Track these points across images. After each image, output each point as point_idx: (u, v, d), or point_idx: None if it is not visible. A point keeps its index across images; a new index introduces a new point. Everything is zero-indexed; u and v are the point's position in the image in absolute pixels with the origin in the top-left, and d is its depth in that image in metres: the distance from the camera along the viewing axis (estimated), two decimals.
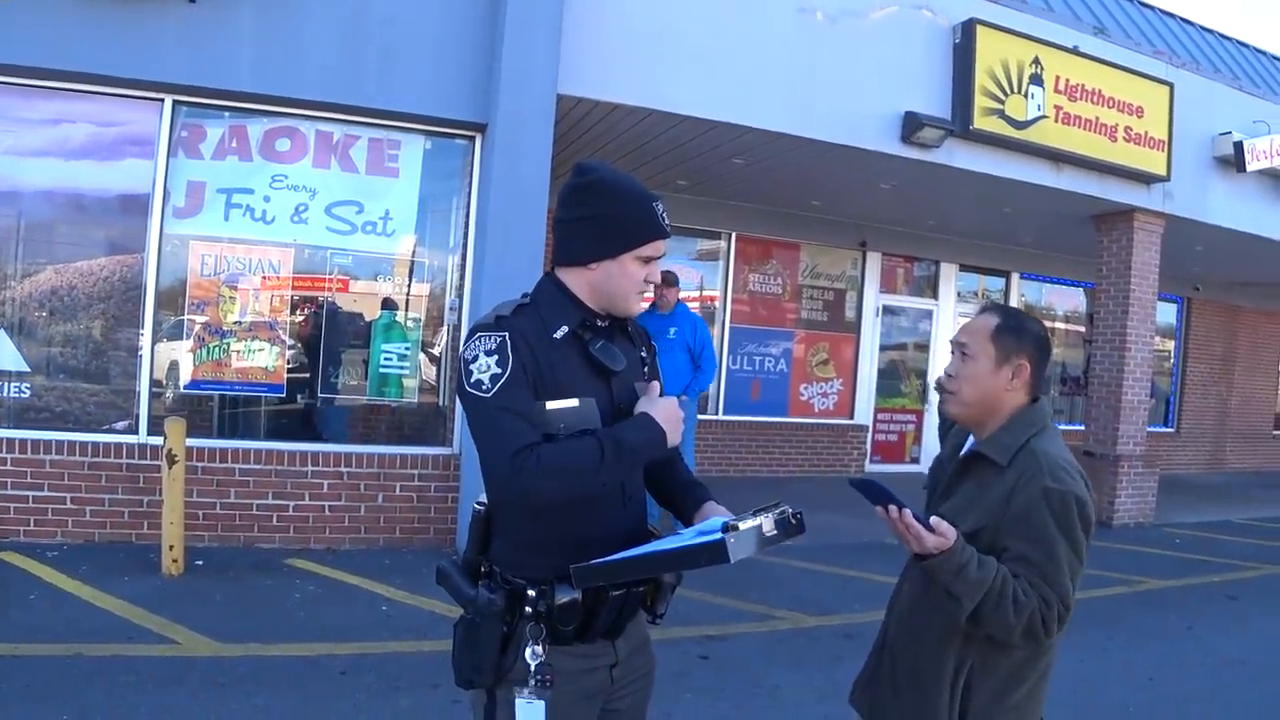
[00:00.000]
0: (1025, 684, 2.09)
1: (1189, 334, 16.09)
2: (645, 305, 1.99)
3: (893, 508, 1.91)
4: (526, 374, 1.85)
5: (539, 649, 1.84)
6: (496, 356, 1.84)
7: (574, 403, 1.89)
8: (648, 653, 2.13)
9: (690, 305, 9.00)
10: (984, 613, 1.93)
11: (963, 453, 2.22)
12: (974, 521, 2.04)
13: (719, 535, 1.67)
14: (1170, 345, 16.00)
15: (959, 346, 2.16)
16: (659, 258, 2.00)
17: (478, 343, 1.87)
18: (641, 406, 1.93)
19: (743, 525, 1.71)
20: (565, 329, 1.93)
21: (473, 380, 1.85)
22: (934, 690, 2.06)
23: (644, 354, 2.13)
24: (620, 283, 1.95)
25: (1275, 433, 17.62)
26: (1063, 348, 14.87)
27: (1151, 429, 12.49)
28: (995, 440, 2.11)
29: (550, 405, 1.87)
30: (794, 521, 1.81)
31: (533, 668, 1.83)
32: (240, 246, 6.74)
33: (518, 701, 1.83)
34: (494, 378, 1.83)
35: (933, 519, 1.92)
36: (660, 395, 2.00)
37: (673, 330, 7.69)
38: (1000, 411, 2.13)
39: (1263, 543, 9.73)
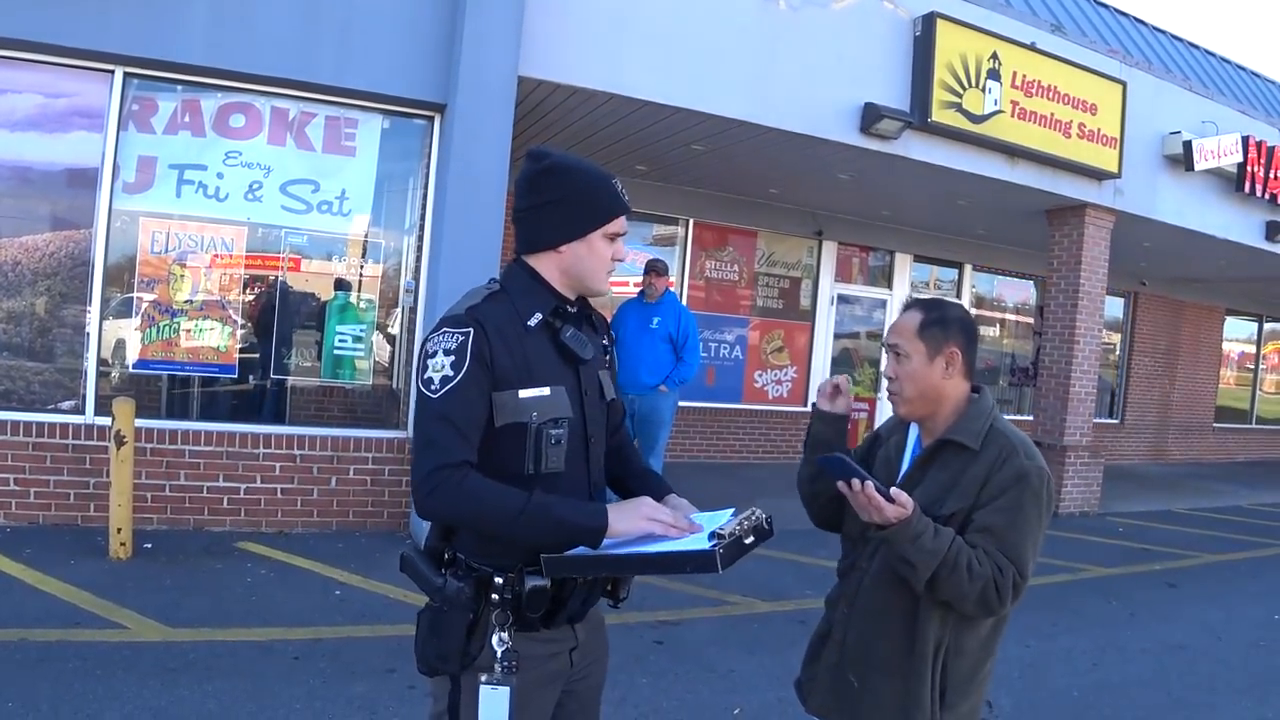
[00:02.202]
0: (992, 656, 2.24)
1: (1135, 328, 16.43)
2: (612, 287, 2.01)
3: (855, 481, 1.97)
4: (487, 373, 1.84)
5: (505, 636, 1.84)
6: (454, 357, 1.82)
7: (545, 391, 1.89)
8: (603, 634, 2.15)
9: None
10: (939, 579, 2.00)
11: (926, 443, 2.25)
12: (954, 504, 2.10)
13: (709, 546, 1.70)
14: (1118, 339, 16.35)
15: (892, 348, 2.22)
16: (623, 234, 2.01)
17: (440, 338, 1.86)
18: (618, 506, 1.86)
19: (726, 533, 1.75)
20: (539, 316, 1.93)
21: (425, 377, 1.85)
22: (916, 674, 2.11)
23: (605, 342, 2.13)
24: (590, 262, 1.96)
25: (1216, 425, 18.07)
26: (1012, 339, 15.11)
27: (1097, 420, 12.76)
28: (962, 427, 2.17)
29: (523, 394, 1.87)
30: (767, 527, 1.84)
31: (499, 654, 1.83)
32: (192, 224, 6.61)
33: (482, 688, 1.83)
34: (444, 379, 1.82)
35: (892, 490, 1.99)
36: (657, 507, 1.89)
37: (656, 320, 7.66)
38: (946, 400, 2.20)
39: (1202, 532, 10.00)
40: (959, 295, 14.14)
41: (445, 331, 1.86)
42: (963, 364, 2.19)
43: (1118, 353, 16.37)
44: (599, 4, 7.09)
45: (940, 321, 2.19)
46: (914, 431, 2.30)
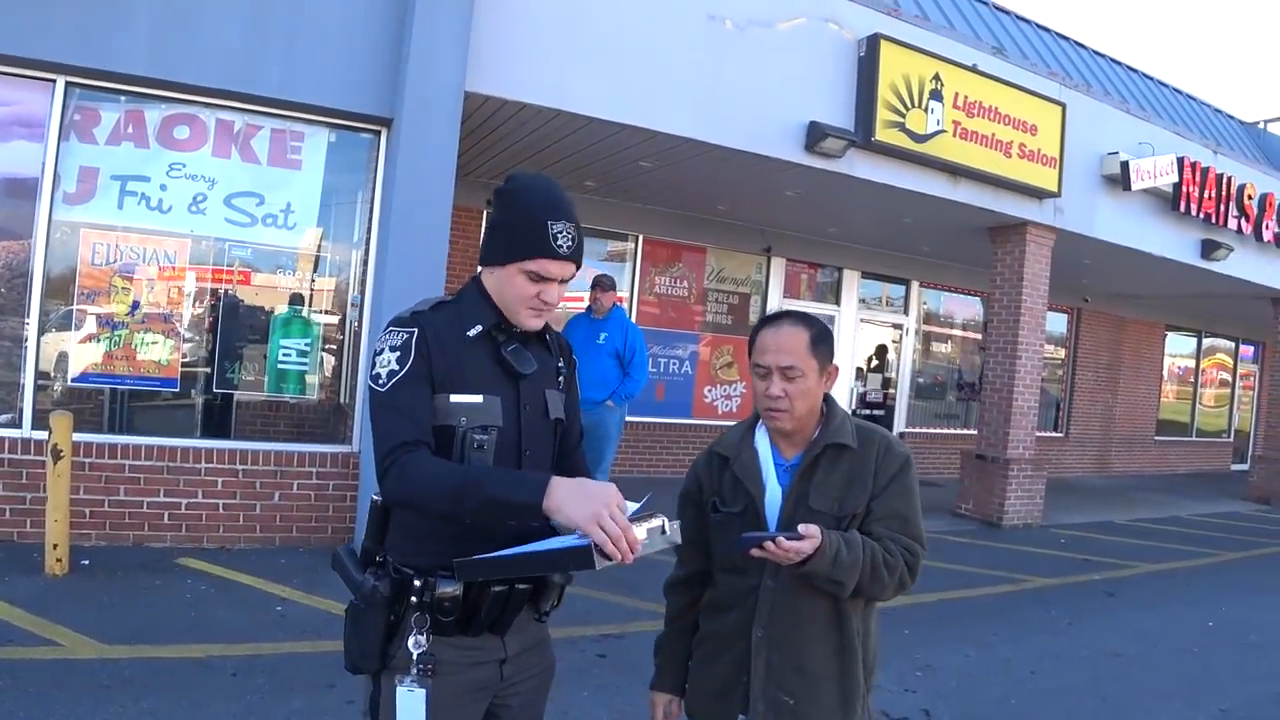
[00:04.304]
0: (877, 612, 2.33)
1: (1078, 343, 16.77)
2: (537, 322, 1.98)
3: (768, 544, 1.98)
4: (428, 370, 1.90)
5: (422, 639, 1.87)
6: (399, 354, 1.91)
7: (477, 399, 1.94)
8: (545, 652, 2.15)
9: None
10: (863, 584, 2.09)
11: (791, 453, 2.27)
12: (855, 500, 2.18)
13: (586, 541, 1.67)
14: (1062, 354, 16.66)
15: (784, 371, 2.18)
16: (556, 280, 1.97)
17: (387, 337, 1.95)
18: (580, 487, 1.74)
19: None
20: (479, 328, 1.98)
21: (373, 374, 1.93)
22: (849, 669, 2.19)
23: (561, 364, 2.16)
24: (507, 292, 1.99)
25: (1157, 438, 18.48)
26: (960, 355, 15.35)
27: (1042, 433, 13.00)
28: (837, 430, 2.24)
29: (454, 398, 1.92)
30: (665, 531, 1.81)
31: (414, 656, 1.86)
32: (134, 235, 6.53)
33: (399, 689, 1.86)
34: (390, 374, 1.90)
35: (800, 526, 2.01)
36: (604, 490, 1.75)
37: (603, 335, 7.68)
38: (817, 410, 2.26)
39: (1141, 542, 10.21)
40: (907, 311, 14.36)
41: (392, 330, 1.96)
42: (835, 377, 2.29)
43: (1062, 368, 16.68)
44: (546, 21, 7.14)
45: (826, 337, 2.25)
46: (765, 444, 2.30)
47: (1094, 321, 16.92)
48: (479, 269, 2.08)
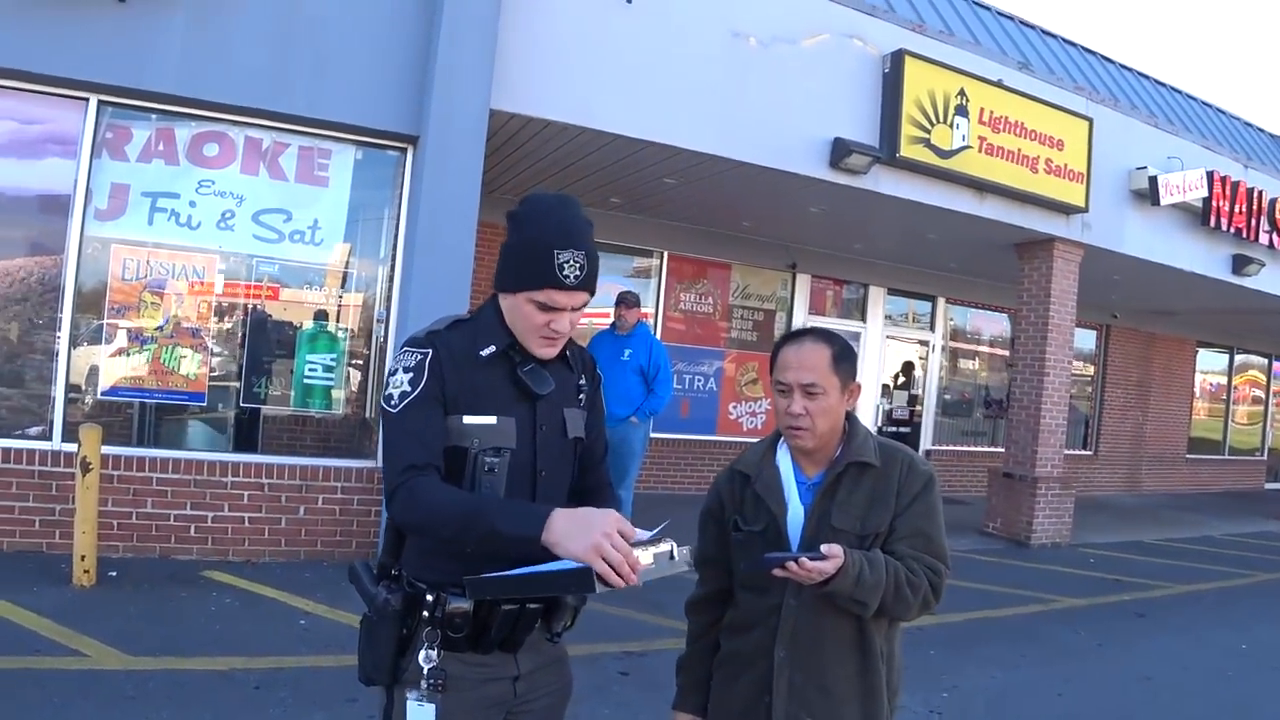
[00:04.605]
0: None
1: (1107, 360, 16.60)
2: (549, 350, 1.96)
3: (791, 564, 1.97)
4: (441, 391, 1.90)
5: (433, 653, 1.87)
6: (412, 375, 1.91)
7: (491, 420, 1.93)
8: (561, 670, 2.13)
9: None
10: (887, 604, 2.08)
11: (813, 471, 2.26)
12: (879, 518, 2.16)
13: (585, 564, 1.66)
14: (1091, 371, 16.51)
15: (805, 388, 2.17)
16: (562, 309, 1.93)
17: (402, 358, 1.95)
18: (565, 515, 1.72)
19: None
20: (493, 348, 1.97)
21: (386, 394, 1.93)
22: (873, 689, 2.17)
23: (583, 382, 2.14)
24: (517, 319, 1.97)
25: (1189, 456, 18.23)
26: (987, 372, 15.24)
27: (1070, 452, 12.87)
28: (859, 448, 2.22)
29: (467, 419, 1.92)
30: (673, 557, 1.79)
31: (425, 671, 1.86)
32: (164, 251, 6.62)
33: (409, 703, 1.87)
34: (403, 395, 1.90)
35: (822, 546, 2.00)
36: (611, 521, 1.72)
37: (627, 352, 7.71)
38: (839, 428, 2.24)
39: (1172, 562, 10.06)
40: (933, 328, 14.29)
41: (406, 351, 1.95)
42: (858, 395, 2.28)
43: (1091, 385, 16.52)
44: (570, 39, 7.19)
45: (847, 354, 2.23)
46: (787, 462, 2.29)
47: (1123, 338, 16.75)
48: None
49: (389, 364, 1.95)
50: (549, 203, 1.97)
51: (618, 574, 1.63)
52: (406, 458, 1.85)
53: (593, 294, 1.97)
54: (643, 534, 1.80)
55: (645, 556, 1.72)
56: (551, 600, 1.95)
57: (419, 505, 1.81)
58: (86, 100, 6.31)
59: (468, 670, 1.91)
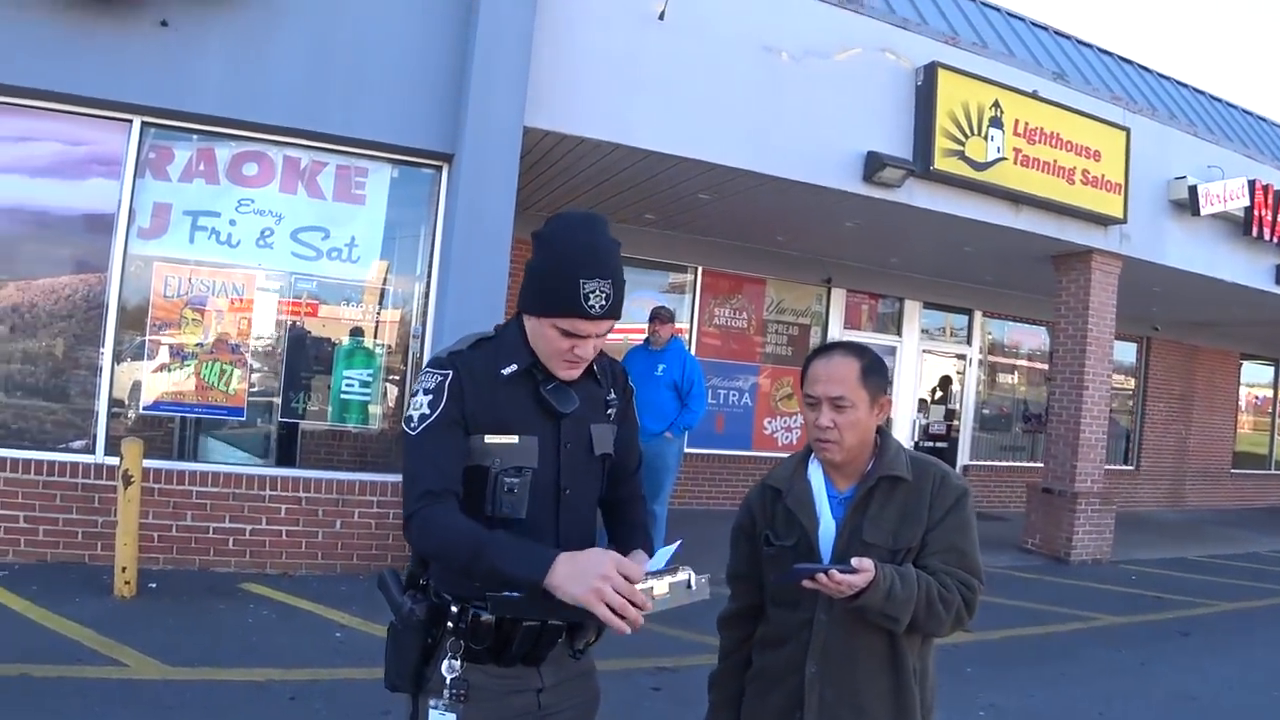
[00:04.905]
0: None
1: (1148, 373, 16.36)
2: (572, 373, 1.95)
3: (820, 576, 1.97)
4: (460, 413, 1.90)
5: (456, 664, 1.89)
6: (431, 397, 1.91)
7: (513, 439, 1.94)
8: (588, 684, 2.13)
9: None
10: (919, 620, 2.06)
11: (844, 485, 2.25)
12: (911, 533, 2.15)
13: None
14: (1132, 384, 16.27)
15: (833, 401, 2.15)
16: (588, 336, 1.93)
17: (423, 379, 1.95)
18: (567, 560, 1.71)
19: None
20: (515, 367, 1.97)
21: (406, 415, 1.94)
22: (906, 709, 2.14)
23: (612, 396, 2.13)
24: (540, 342, 1.96)
25: (1233, 471, 17.88)
26: (1026, 386, 15.07)
27: (1112, 466, 12.68)
28: (891, 462, 2.21)
29: (488, 439, 1.92)
30: (690, 586, 1.78)
31: (448, 681, 1.88)
32: (204, 269, 6.75)
33: (431, 711, 1.88)
34: (421, 418, 1.90)
35: (853, 561, 1.99)
36: (607, 557, 1.73)
37: (661, 367, 7.71)
38: (869, 442, 2.22)
39: (1217, 579, 9.87)
40: (970, 342, 14.17)
41: (427, 372, 1.96)
42: (889, 408, 2.26)
43: (1132, 398, 16.28)
44: (603, 56, 7.25)
45: (877, 367, 2.22)
46: (818, 477, 2.27)
47: (1165, 350, 16.50)
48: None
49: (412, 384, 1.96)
50: (575, 225, 1.94)
51: (623, 616, 1.64)
52: (423, 484, 1.85)
53: (617, 319, 1.95)
54: (655, 562, 1.80)
55: (660, 587, 1.72)
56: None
57: (431, 535, 1.83)
58: (130, 122, 6.46)
59: (491, 681, 1.92)
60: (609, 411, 2.12)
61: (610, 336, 2.01)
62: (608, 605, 1.63)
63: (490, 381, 1.95)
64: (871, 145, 8.28)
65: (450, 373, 1.93)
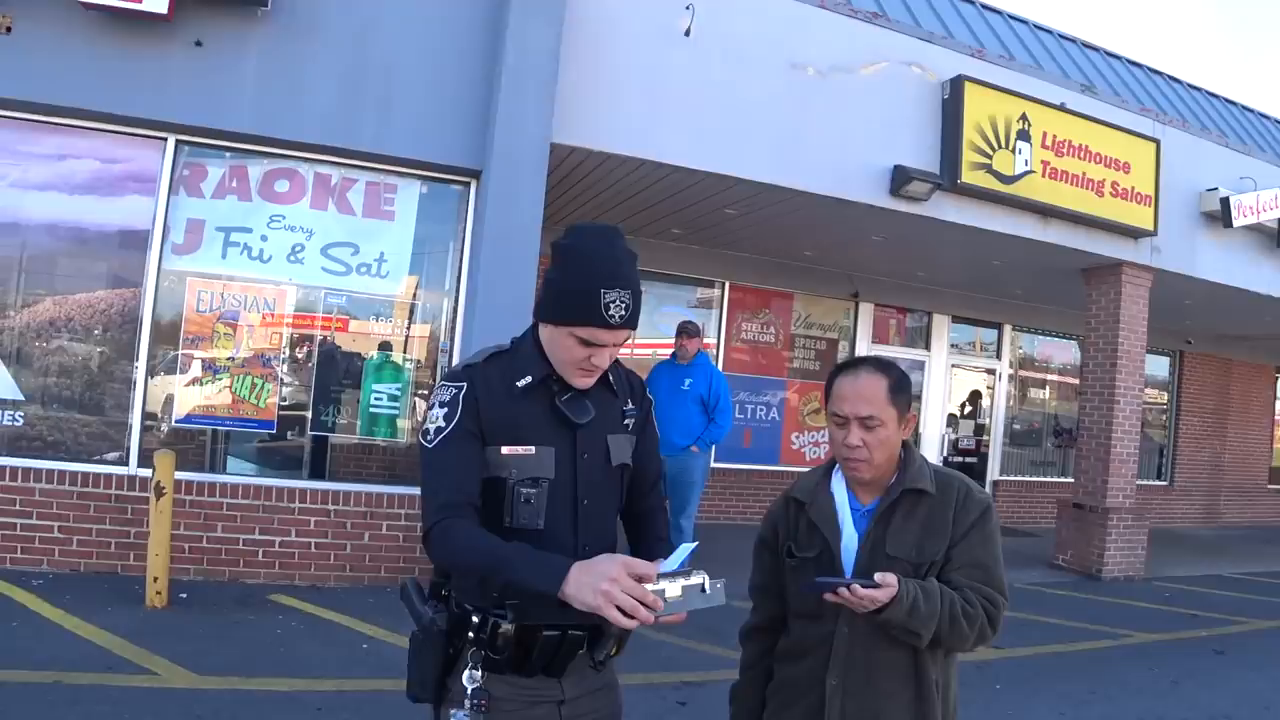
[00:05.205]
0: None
1: (1181, 387, 16.15)
2: (587, 382, 1.97)
3: (843, 590, 1.97)
4: (476, 425, 1.93)
5: (477, 674, 1.90)
6: (446, 410, 1.94)
7: (529, 450, 1.96)
8: (610, 696, 2.14)
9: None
10: (942, 635, 2.05)
11: (867, 498, 2.24)
12: (935, 547, 2.14)
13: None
14: (1166, 398, 16.06)
15: (863, 421, 2.14)
16: (604, 345, 1.95)
17: (438, 393, 1.98)
18: (579, 569, 1.72)
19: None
20: (530, 379, 1.98)
21: (423, 428, 1.97)
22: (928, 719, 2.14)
23: (629, 406, 2.14)
24: (557, 351, 1.98)
25: (1271, 486, 17.58)
26: (1057, 400, 14.93)
27: (1145, 482, 12.52)
28: (915, 475, 2.20)
29: (504, 450, 1.94)
30: (705, 590, 1.78)
31: (468, 690, 1.89)
32: (237, 284, 6.85)
33: None
34: (437, 430, 1.93)
35: (876, 576, 1.99)
36: (629, 562, 1.74)
37: (688, 381, 7.72)
38: (895, 457, 2.22)
39: (1253, 597, 9.70)
40: (1000, 356, 14.07)
41: (443, 386, 1.99)
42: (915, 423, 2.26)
43: (1165, 413, 16.07)
44: (631, 72, 7.29)
45: (904, 383, 2.21)
46: (841, 489, 2.27)
47: (1198, 364, 16.28)
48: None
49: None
50: (595, 236, 1.97)
51: (634, 616, 1.65)
52: (440, 497, 1.88)
53: (634, 329, 1.97)
54: (671, 563, 1.80)
55: (672, 589, 1.72)
56: (594, 627, 1.94)
57: (449, 548, 1.85)
58: (165, 140, 6.59)
59: (513, 692, 1.93)
60: (626, 422, 2.13)
61: (638, 351, 2.02)
62: (617, 607, 1.64)
63: (506, 393, 1.96)
64: (898, 159, 8.26)
65: (465, 385, 1.95)
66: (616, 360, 2.08)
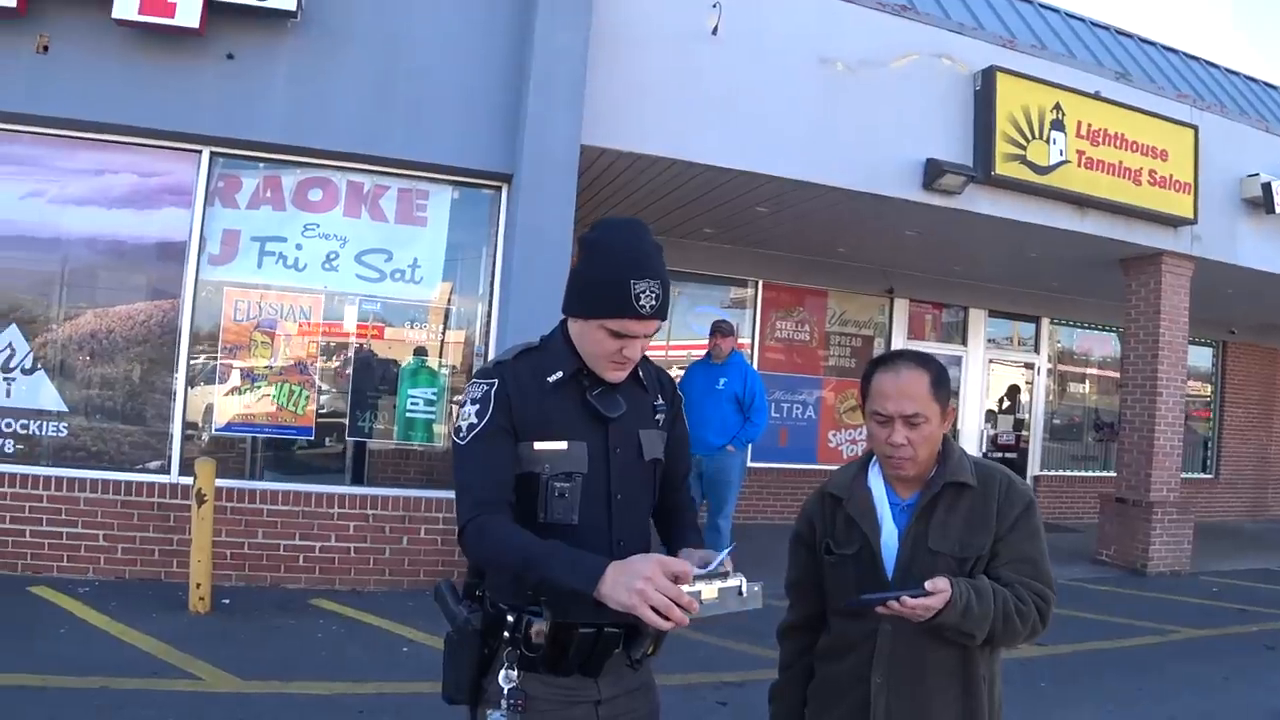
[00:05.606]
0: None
1: (1225, 378, 15.86)
2: (619, 375, 1.96)
3: (892, 603, 1.94)
4: (508, 421, 1.92)
5: (513, 674, 1.89)
6: (478, 406, 1.93)
7: (562, 445, 1.95)
8: (648, 696, 2.12)
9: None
10: (996, 634, 2.02)
11: (906, 493, 2.20)
12: (981, 541, 2.10)
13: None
14: (1209, 390, 15.79)
15: (907, 419, 2.09)
16: (635, 337, 1.94)
17: (470, 390, 1.98)
18: (614, 568, 1.70)
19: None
20: (561, 374, 1.98)
21: (455, 426, 1.97)
22: (975, 714, 2.11)
23: (659, 402, 2.13)
24: (588, 345, 1.97)
25: None
26: (1097, 394, 14.73)
27: (1189, 475, 12.31)
28: (955, 468, 2.16)
29: (537, 445, 1.94)
30: (742, 593, 1.77)
31: (505, 691, 1.88)
32: (273, 293, 6.93)
33: None
34: (470, 427, 1.93)
35: (927, 583, 1.95)
36: (662, 560, 1.73)
37: (722, 381, 7.69)
38: (937, 451, 2.18)
39: None
40: (1038, 350, 13.90)
41: (474, 383, 1.99)
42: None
43: (1209, 405, 15.79)
44: (659, 73, 7.29)
45: (945, 377, 2.17)
46: (879, 484, 2.23)
47: (1242, 354, 15.97)
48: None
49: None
50: (624, 230, 1.98)
51: (668, 616, 1.63)
52: (474, 493, 1.88)
53: (664, 320, 1.97)
54: (708, 564, 1.79)
55: (708, 590, 1.71)
56: (630, 626, 1.93)
57: (484, 545, 1.84)
58: (199, 152, 6.69)
59: (550, 691, 1.92)
60: (657, 418, 2.12)
61: (673, 352, 2.02)
62: (652, 607, 1.63)
63: (537, 389, 1.96)
64: (931, 152, 8.19)
65: (496, 381, 1.95)
66: (645, 357, 2.08)
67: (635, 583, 1.64)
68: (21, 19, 6.13)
